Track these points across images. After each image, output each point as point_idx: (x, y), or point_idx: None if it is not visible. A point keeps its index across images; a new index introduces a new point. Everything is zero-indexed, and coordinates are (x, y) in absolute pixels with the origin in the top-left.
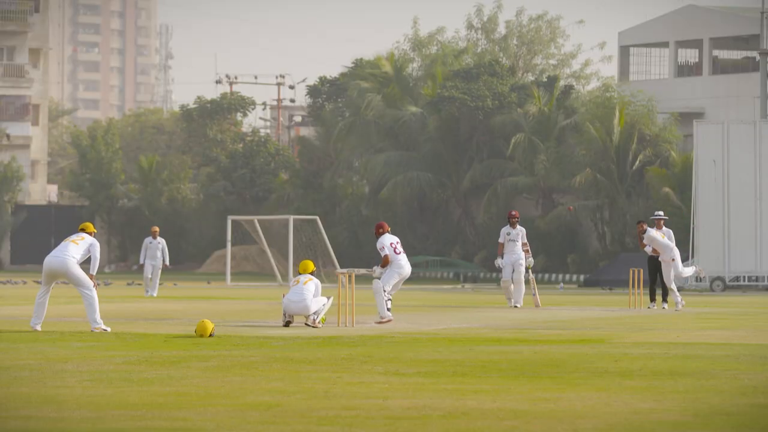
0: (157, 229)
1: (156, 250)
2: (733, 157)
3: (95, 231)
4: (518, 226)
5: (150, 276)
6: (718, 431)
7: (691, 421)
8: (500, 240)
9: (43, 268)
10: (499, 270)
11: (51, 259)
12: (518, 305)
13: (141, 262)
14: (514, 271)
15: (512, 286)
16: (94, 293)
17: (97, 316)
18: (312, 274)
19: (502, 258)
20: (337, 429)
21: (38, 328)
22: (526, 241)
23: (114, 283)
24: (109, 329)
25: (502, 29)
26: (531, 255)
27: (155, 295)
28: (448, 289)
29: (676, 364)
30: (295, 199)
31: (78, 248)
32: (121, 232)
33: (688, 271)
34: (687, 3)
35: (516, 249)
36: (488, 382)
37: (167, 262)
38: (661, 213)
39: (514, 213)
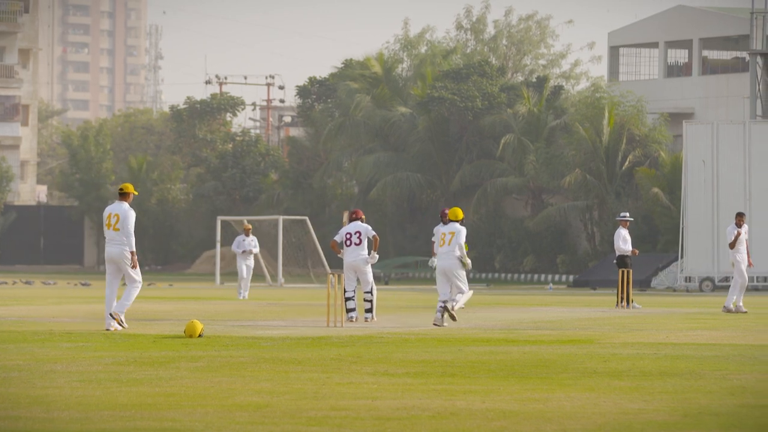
0: (250, 226)
1: (250, 247)
2: (723, 157)
3: (134, 194)
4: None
5: (245, 276)
6: (707, 431)
7: (680, 421)
8: (434, 239)
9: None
10: (433, 269)
11: (108, 248)
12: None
13: (235, 250)
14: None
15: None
16: (137, 288)
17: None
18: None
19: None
20: (326, 429)
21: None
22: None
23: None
24: (126, 326)
25: (491, 29)
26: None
27: (247, 296)
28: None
29: (665, 365)
30: (284, 199)
31: (122, 233)
32: None
33: None
34: (677, 3)
35: None
36: (477, 382)
37: (257, 251)
38: (626, 214)
39: (447, 211)
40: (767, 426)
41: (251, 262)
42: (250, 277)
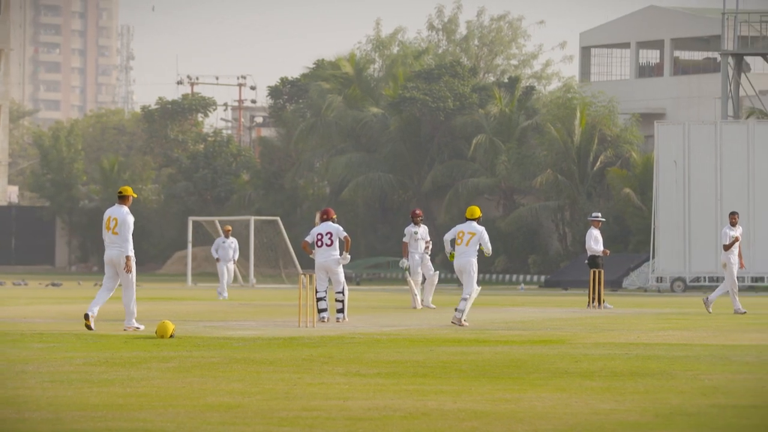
0: (229, 228)
1: (229, 249)
2: (694, 157)
3: (133, 196)
4: (422, 225)
5: (226, 277)
6: (679, 431)
7: (652, 421)
8: (405, 239)
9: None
10: (404, 270)
11: (108, 251)
12: (432, 306)
13: (215, 256)
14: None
15: (416, 286)
16: (133, 291)
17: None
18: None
19: (407, 258)
20: (298, 430)
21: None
22: (429, 239)
23: (64, 284)
24: (142, 327)
25: (463, 30)
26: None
27: (227, 297)
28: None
29: (637, 365)
30: (256, 199)
31: (120, 237)
32: (82, 234)
33: None
34: (648, 4)
35: (420, 248)
36: (449, 382)
37: (235, 259)
38: (599, 214)
39: (418, 212)
40: (739, 426)
41: (231, 263)
42: (231, 278)
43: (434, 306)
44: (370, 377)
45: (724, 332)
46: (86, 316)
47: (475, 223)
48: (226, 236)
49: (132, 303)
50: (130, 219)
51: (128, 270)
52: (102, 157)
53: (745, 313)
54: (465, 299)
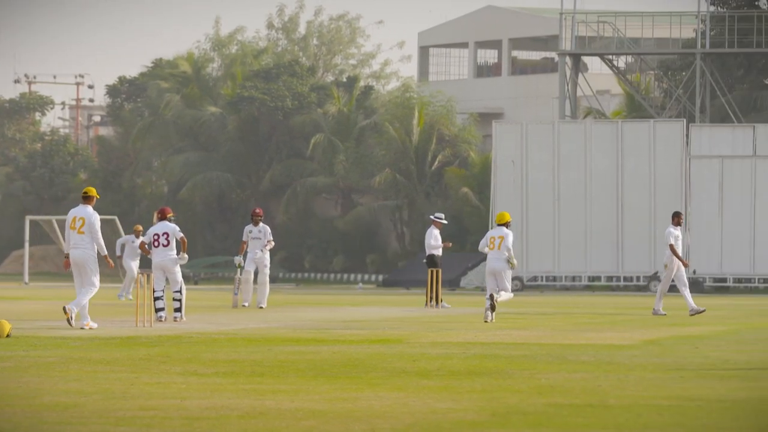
0: (140, 228)
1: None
2: (532, 157)
3: (96, 197)
4: (261, 224)
5: (135, 276)
6: (515, 430)
7: (488, 420)
8: (243, 239)
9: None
10: (237, 266)
11: (72, 252)
12: (253, 305)
13: (118, 253)
14: (258, 271)
15: (252, 285)
16: (93, 291)
17: (85, 311)
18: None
19: (243, 257)
20: (135, 429)
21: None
22: (271, 238)
23: None
24: (95, 325)
25: (302, 29)
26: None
27: (131, 298)
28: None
29: (474, 364)
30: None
31: (88, 238)
32: None
33: None
34: (486, 4)
35: (256, 247)
36: (286, 382)
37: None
38: (442, 215)
39: (258, 211)
40: (575, 425)
41: (138, 262)
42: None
43: (265, 305)
44: (208, 377)
45: (561, 332)
46: (65, 310)
47: (504, 228)
48: (137, 236)
49: (84, 301)
50: (96, 218)
51: (111, 266)
52: None
53: (664, 315)
54: (505, 290)
